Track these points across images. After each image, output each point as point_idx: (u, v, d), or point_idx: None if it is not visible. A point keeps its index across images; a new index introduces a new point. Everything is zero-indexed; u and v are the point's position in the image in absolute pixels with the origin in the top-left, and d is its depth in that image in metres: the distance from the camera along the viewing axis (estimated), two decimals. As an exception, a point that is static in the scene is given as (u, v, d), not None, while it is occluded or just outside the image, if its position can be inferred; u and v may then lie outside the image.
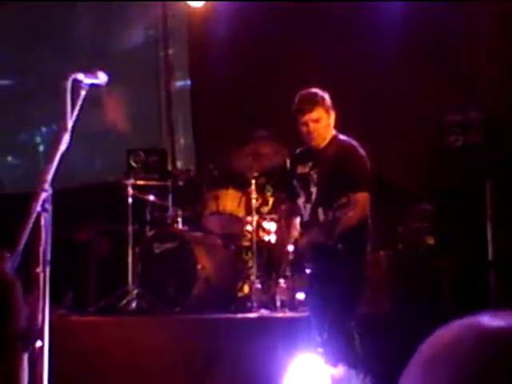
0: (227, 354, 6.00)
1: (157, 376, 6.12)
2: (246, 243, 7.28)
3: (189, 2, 8.80)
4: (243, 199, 7.20)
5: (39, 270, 3.19)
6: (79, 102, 3.58)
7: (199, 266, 6.92)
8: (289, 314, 6.53)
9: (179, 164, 9.17)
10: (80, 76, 3.61)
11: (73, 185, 8.97)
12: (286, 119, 5.48)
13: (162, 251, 7.07)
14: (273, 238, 7.06)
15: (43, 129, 9.70)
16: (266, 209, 7.32)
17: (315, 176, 5.34)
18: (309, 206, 5.35)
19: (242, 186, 7.26)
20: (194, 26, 9.09)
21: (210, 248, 7.15)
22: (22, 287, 1.92)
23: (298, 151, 5.65)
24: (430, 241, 7.18)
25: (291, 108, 5.36)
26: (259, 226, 7.10)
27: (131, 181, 7.51)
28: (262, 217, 7.17)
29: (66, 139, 3.48)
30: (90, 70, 3.71)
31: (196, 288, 6.87)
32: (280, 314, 6.57)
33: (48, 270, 3.20)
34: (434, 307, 6.48)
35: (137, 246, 7.31)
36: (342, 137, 5.45)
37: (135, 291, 7.11)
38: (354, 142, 5.41)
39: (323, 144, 5.39)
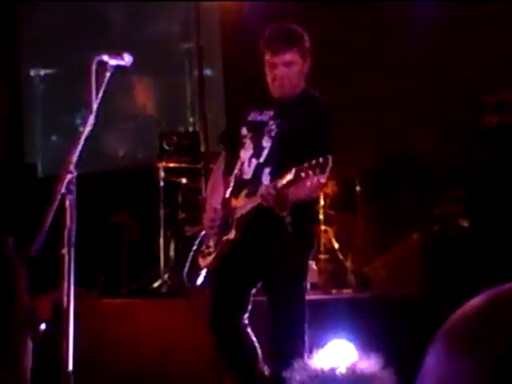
0: (258, 337, 5.98)
1: (189, 359, 6.12)
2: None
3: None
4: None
5: (64, 251, 3.20)
6: (104, 84, 3.58)
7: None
8: (319, 296, 6.51)
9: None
10: (105, 58, 3.61)
11: (105, 168, 9.03)
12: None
13: (193, 234, 7.06)
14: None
15: (83, 110, 9.79)
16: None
17: (274, 128, 4.26)
18: (254, 162, 4.28)
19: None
20: (226, 14, 9.03)
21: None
22: (27, 273, 1.88)
23: (254, 95, 4.64)
24: (465, 223, 7.09)
25: (259, 45, 4.38)
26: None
27: (163, 163, 7.52)
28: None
29: (90, 121, 3.48)
30: (115, 52, 3.71)
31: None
32: (312, 297, 6.54)
33: (73, 251, 3.21)
34: (467, 291, 6.41)
35: (169, 228, 7.33)
36: (314, 92, 4.41)
37: (167, 274, 7.14)
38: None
39: (291, 95, 4.32)
